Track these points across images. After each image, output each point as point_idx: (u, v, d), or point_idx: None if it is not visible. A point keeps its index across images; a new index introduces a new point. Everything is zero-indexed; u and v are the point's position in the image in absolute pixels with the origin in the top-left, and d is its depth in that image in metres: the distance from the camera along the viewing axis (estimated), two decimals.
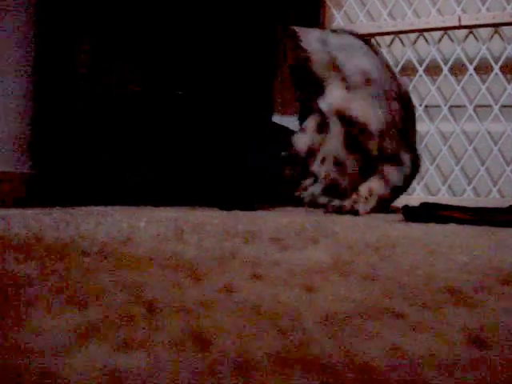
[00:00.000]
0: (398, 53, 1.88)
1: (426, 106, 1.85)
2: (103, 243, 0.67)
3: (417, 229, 0.94)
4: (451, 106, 1.83)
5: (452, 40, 1.83)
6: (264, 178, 1.56)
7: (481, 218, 1.14)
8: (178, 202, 1.48)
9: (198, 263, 0.55)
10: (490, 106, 1.77)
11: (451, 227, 1.00)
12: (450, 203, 1.67)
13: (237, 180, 1.38)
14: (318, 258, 0.60)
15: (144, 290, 0.43)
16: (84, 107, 1.45)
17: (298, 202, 1.52)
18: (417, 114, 1.69)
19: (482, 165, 1.78)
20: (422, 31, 1.81)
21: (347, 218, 1.19)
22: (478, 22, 1.77)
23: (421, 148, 1.81)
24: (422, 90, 1.85)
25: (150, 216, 1.02)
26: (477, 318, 0.38)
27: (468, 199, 1.76)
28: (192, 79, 1.57)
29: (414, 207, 1.18)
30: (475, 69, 1.78)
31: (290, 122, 1.88)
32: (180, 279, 0.48)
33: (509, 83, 1.77)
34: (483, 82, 1.78)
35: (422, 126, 1.80)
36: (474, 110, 1.79)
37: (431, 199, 1.76)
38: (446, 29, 1.81)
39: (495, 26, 1.77)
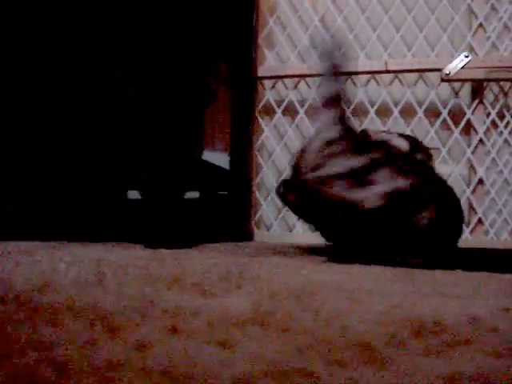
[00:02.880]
0: None
1: None
2: (20, 290, 0.65)
3: (340, 272, 0.96)
4: None
5: (378, 83, 1.90)
6: (193, 214, 1.56)
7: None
8: (105, 238, 1.45)
9: (115, 315, 0.54)
10: None
11: (373, 269, 1.02)
12: None
13: (163, 216, 1.37)
14: (239, 308, 0.61)
15: (56, 349, 0.42)
16: None
17: (226, 238, 1.52)
18: None
19: None
20: (350, 74, 1.87)
21: (276, 258, 1.20)
22: (403, 68, 1.85)
23: None
24: None
25: (72, 255, 1.00)
26: (383, 380, 0.39)
27: None
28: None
29: (337, 247, 1.21)
30: (400, 112, 1.85)
31: (220, 157, 1.89)
32: (95, 335, 0.47)
33: (432, 126, 1.84)
34: (408, 124, 1.85)
35: None
36: None
37: None
38: (373, 73, 1.88)
39: (419, 71, 1.85)
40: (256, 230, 1.91)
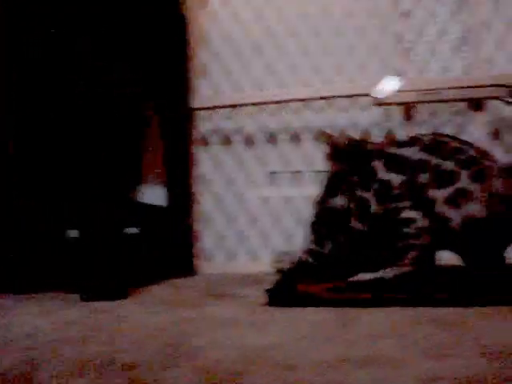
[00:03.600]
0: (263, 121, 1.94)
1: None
2: None
3: (275, 331, 0.95)
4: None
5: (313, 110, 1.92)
6: (133, 251, 1.53)
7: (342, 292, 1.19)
8: (39, 286, 1.42)
9: None
10: None
11: (311, 318, 1.02)
12: None
13: (102, 253, 1.34)
14: None
15: None
16: None
17: (168, 275, 1.50)
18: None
19: None
20: (285, 101, 1.89)
21: (214, 309, 1.19)
22: (334, 94, 1.87)
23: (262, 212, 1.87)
24: (293, 157, 1.92)
25: None
26: None
27: None
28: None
29: (276, 289, 1.21)
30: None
31: (158, 191, 1.87)
32: None
33: None
34: None
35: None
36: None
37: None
38: (307, 100, 1.90)
39: (351, 96, 1.89)
40: (199, 262, 1.90)
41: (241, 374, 0.68)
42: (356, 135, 1.87)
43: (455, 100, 1.86)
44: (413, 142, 1.36)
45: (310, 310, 1.09)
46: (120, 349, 0.81)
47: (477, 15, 1.88)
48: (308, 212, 1.84)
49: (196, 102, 1.93)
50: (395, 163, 1.34)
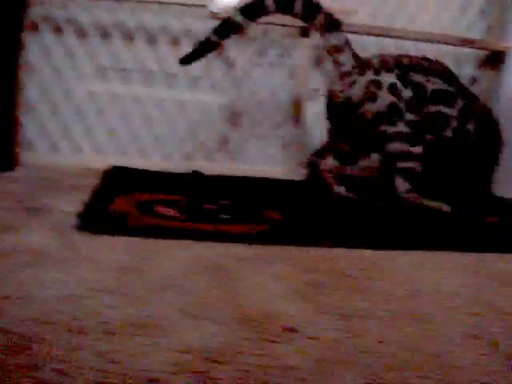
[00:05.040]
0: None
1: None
2: None
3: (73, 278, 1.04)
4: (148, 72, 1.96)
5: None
6: None
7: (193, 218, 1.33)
8: None
9: None
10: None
11: (110, 258, 1.12)
12: (143, 168, 1.85)
13: None
14: None
15: None
16: None
17: None
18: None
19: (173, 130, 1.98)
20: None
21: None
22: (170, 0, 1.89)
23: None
24: (125, 56, 1.93)
25: None
26: None
27: (159, 164, 1.95)
28: None
29: (86, 212, 1.29)
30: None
31: None
32: None
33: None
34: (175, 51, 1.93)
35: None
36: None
37: (123, 161, 1.91)
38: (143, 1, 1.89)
39: (185, 5, 1.91)
40: (23, 152, 1.89)
41: None
42: (190, 43, 1.92)
43: (285, 25, 1.96)
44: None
45: (119, 241, 1.12)
46: None
47: None
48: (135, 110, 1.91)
49: None
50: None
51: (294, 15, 1.66)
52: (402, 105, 1.59)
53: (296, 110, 2.04)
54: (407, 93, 1.60)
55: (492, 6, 2.14)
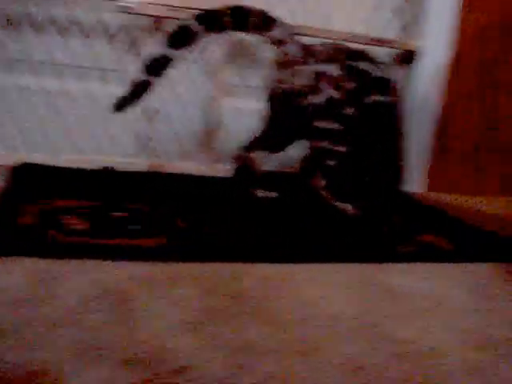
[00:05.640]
0: None
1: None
2: None
3: None
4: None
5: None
6: None
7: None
8: None
9: None
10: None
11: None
12: (54, 164, 1.81)
13: None
14: None
15: None
16: None
17: None
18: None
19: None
20: None
21: None
22: None
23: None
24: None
25: None
26: None
27: (72, 160, 1.91)
28: None
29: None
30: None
31: None
32: None
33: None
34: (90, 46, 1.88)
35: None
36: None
37: (35, 158, 1.86)
38: None
39: None
40: None
41: None
42: (101, 36, 1.88)
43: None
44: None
45: (20, 264, 1.10)
46: None
47: None
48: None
49: None
50: None
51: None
52: (342, 98, 1.60)
53: (212, 107, 2.04)
54: (350, 85, 1.60)
55: (407, 5, 2.18)
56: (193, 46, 1.61)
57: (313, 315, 1.03)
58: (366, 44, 2.11)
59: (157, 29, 1.95)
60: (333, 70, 1.60)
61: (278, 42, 1.63)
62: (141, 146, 2.01)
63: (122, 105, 1.58)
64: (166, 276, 1.13)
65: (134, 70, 1.93)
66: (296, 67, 1.61)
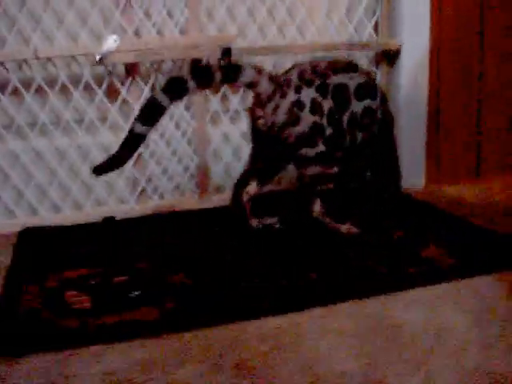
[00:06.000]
0: None
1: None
2: None
3: None
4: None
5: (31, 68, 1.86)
6: None
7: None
8: None
9: None
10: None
11: None
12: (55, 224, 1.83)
13: None
14: None
15: None
16: None
17: None
18: None
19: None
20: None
21: None
22: (54, 54, 1.82)
23: None
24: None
25: None
26: None
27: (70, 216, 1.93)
28: None
29: None
30: (60, 90, 1.87)
31: None
32: None
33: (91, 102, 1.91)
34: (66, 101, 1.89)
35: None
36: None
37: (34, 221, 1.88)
38: (23, 60, 1.83)
39: (71, 56, 1.86)
40: None
41: None
42: (78, 90, 1.88)
43: (173, 60, 1.94)
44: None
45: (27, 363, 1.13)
46: None
47: None
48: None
49: None
50: None
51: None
52: (323, 121, 1.60)
53: (200, 136, 2.04)
54: (327, 104, 1.60)
55: (379, 5, 2.16)
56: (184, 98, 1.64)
57: (322, 376, 1.04)
58: (342, 50, 2.09)
59: (134, 74, 1.95)
60: (309, 94, 1.59)
61: (249, 85, 1.60)
62: (136, 188, 2.02)
63: (102, 170, 1.59)
64: (173, 353, 1.14)
65: (116, 118, 1.95)
66: (273, 102, 1.59)
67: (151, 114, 1.54)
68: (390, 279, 1.41)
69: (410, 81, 2.15)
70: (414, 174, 2.19)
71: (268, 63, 2.08)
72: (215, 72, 1.55)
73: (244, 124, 1.80)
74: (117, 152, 1.55)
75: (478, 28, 2.20)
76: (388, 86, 2.20)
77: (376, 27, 2.18)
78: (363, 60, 2.19)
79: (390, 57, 2.18)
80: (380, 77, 2.20)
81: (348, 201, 1.77)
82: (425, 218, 1.84)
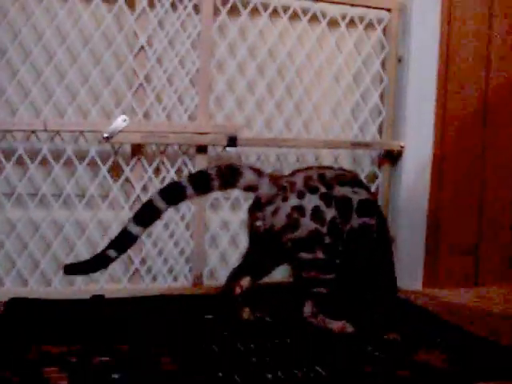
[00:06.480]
0: None
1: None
2: None
3: None
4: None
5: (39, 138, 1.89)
6: None
7: None
8: None
9: None
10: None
11: None
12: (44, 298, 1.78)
13: None
14: None
15: None
16: None
17: None
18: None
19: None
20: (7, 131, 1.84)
21: None
22: (63, 128, 1.86)
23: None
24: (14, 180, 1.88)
25: None
26: None
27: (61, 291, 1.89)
28: None
29: None
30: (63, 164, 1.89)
31: None
32: None
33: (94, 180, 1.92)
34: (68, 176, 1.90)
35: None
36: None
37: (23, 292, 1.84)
38: (32, 131, 1.86)
39: (79, 132, 1.89)
40: None
41: None
42: (82, 165, 1.90)
43: (180, 144, 1.98)
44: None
45: None
46: None
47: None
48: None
49: None
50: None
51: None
52: (324, 229, 1.58)
53: (198, 221, 2.03)
54: (330, 213, 1.59)
55: (384, 107, 2.22)
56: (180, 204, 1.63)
57: None
58: (347, 148, 2.13)
59: (139, 154, 1.97)
60: (312, 201, 1.59)
61: (249, 189, 1.61)
62: (129, 268, 2.00)
63: (76, 270, 1.60)
64: None
65: (117, 195, 1.96)
66: (273, 205, 1.60)
67: (147, 216, 1.56)
68: (377, 382, 1.35)
69: (412, 182, 2.18)
70: (411, 276, 2.17)
71: (272, 155, 2.11)
72: (213, 180, 1.56)
73: (244, 212, 1.80)
74: (103, 251, 1.55)
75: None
76: (389, 186, 2.22)
77: (381, 128, 2.22)
78: (366, 159, 2.23)
79: (392, 157, 2.21)
80: (382, 177, 2.22)
81: (343, 301, 1.74)
82: (422, 322, 1.79)
